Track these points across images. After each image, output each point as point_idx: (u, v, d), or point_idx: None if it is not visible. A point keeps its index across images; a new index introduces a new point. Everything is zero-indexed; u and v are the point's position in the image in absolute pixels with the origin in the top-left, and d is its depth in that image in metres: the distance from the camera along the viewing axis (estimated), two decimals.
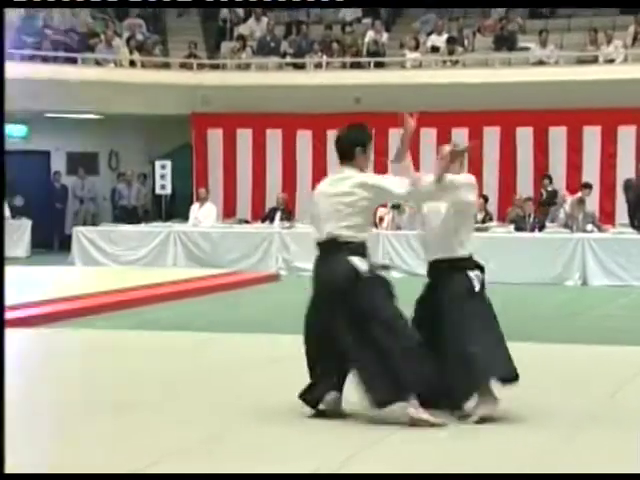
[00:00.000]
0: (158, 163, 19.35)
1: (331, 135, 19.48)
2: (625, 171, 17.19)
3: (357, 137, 5.94)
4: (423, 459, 4.85)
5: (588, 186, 16.51)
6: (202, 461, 4.76)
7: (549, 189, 17.57)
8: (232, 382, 6.86)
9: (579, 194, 16.07)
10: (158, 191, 19.43)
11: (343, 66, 19.68)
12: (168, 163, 19.19)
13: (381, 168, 21.55)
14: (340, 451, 4.92)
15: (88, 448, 5.05)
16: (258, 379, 6.95)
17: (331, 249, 5.68)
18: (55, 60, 18.58)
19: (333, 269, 5.62)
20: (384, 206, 16.78)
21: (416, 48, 19.49)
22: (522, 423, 5.61)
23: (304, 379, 5.80)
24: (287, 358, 7.86)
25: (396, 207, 15.92)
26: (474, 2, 18.50)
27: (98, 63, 19.44)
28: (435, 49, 19.53)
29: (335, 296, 5.56)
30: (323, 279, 5.67)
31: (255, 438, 5.28)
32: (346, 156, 5.91)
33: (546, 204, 16.84)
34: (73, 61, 18.99)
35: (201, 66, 19.98)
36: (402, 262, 15.14)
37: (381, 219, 16.35)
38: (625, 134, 17.69)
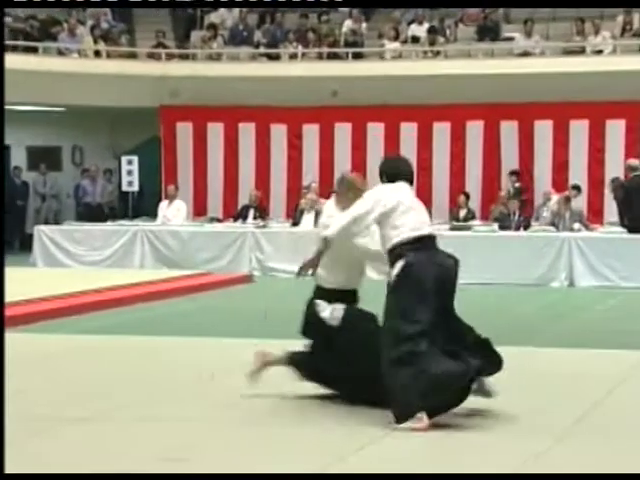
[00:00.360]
0: (124, 158, 19.27)
1: (307, 129, 19.55)
2: (613, 167, 17.30)
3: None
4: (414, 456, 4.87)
5: (576, 188, 16.66)
6: (194, 463, 4.75)
7: (516, 185, 17.63)
8: (203, 388, 6.83)
9: (566, 193, 16.15)
10: (125, 188, 19.35)
11: (319, 57, 19.68)
12: (135, 158, 19.10)
13: (359, 162, 21.53)
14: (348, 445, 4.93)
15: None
16: (233, 384, 6.93)
17: (434, 244, 6.04)
18: (14, 49, 18.45)
19: (451, 261, 5.96)
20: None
21: (396, 38, 19.52)
22: (507, 431, 5.62)
23: (281, 382, 5.78)
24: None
25: None
26: (475, 2, 18.40)
27: (61, 53, 19.32)
28: (415, 39, 19.56)
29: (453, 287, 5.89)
30: (449, 266, 5.91)
31: (241, 440, 5.27)
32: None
33: (516, 200, 16.72)
34: (34, 50, 18.86)
35: (170, 56, 19.91)
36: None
37: None
38: (613, 128, 17.78)
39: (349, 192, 6.43)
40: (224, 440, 5.47)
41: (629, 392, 6.75)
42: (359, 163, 18.96)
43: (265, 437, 5.50)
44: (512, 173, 17.86)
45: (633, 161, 15.39)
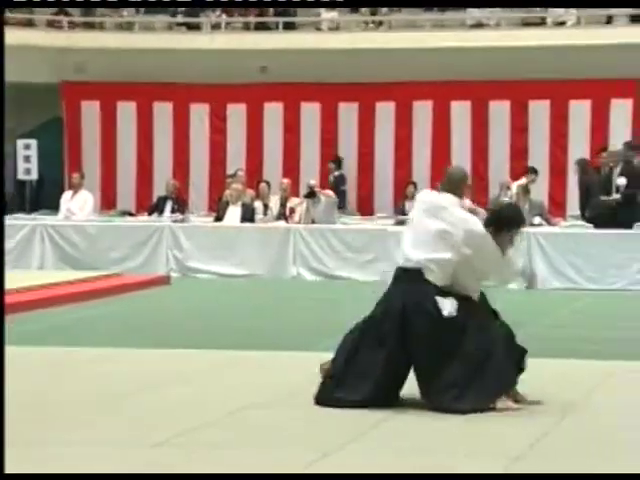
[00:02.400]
0: (21, 142, 19.05)
1: (232, 110, 19.52)
2: (577, 152, 17.53)
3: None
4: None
5: (534, 171, 16.69)
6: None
7: (336, 174, 17.75)
8: (121, 408, 6.80)
9: (523, 180, 16.27)
10: (21, 176, 19.14)
11: (246, 27, 19.66)
12: (33, 142, 18.90)
13: (292, 147, 21.58)
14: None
15: None
16: (148, 401, 6.90)
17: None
18: None
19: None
20: (297, 196, 16.84)
21: (333, 6, 19.55)
22: (456, 453, 5.70)
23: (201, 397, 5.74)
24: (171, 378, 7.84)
25: (310, 195, 15.97)
26: (472, 2, 18.44)
27: None
28: (355, 8, 19.62)
29: None
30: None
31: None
32: None
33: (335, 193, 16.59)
34: None
35: (73, 25, 19.73)
36: (318, 262, 15.18)
37: (292, 211, 16.39)
38: (578, 110, 18.03)
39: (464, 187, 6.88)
40: (144, 463, 5.46)
41: (593, 411, 6.85)
42: (292, 148, 19.02)
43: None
44: (332, 160, 18.17)
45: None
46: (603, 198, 14.79)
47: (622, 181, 14.70)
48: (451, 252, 6.60)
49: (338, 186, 17.94)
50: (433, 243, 6.64)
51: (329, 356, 7.40)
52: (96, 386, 7.56)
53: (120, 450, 5.78)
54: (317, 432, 6.15)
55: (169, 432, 6.10)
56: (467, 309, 6.62)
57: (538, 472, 5.31)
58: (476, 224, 6.73)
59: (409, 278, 6.64)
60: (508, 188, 16.62)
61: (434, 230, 6.66)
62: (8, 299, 11.82)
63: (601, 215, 14.74)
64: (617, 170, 14.86)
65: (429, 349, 6.58)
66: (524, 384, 6.87)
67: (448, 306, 6.61)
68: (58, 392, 7.39)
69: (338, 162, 18.51)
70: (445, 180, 6.98)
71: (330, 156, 18.91)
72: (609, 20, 18.51)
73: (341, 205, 17.36)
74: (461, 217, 6.71)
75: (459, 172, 7.15)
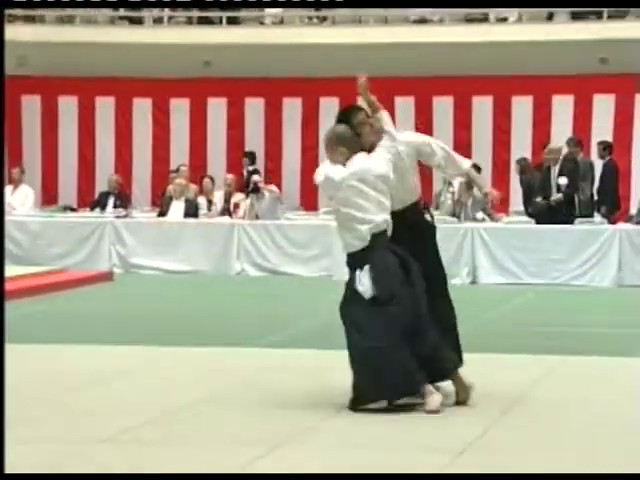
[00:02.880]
0: None
1: (175, 104, 19.42)
2: (519, 149, 17.68)
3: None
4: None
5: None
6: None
7: (250, 169, 17.77)
8: (61, 406, 6.75)
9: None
10: None
11: (189, 22, 19.57)
12: None
13: (236, 142, 21.44)
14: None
15: None
16: (100, 394, 6.87)
17: None
18: None
19: None
20: (241, 191, 16.80)
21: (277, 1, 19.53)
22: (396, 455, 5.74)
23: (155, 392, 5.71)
24: (120, 373, 7.80)
25: (254, 191, 15.95)
26: (467, 2, 18.44)
27: None
28: (300, 3, 19.59)
29: None
30: None
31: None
32: None
33: (248, 187, 16.42)
34: None
35: (13, 18, 19.51)
36: (262, 258, 15.17)
37: (236, 206, 16.37)
38: (520, 106, 18.17)
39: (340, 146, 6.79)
40: (83, 461, 5.44)
41: (530, 407, 6.91)
42: (236, 142, 18.97)
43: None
44: (245, 154, 18.21)
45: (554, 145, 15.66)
46: (539, 200, 14.91)
47: (563, 181, 14.84)
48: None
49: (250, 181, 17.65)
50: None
51: (273, 352, 7.40)
52: (38, 383, 7.51)
53: (63, 446, 5.75)
54: (261, 428, 6.16)
55: (112, 429, 6.08)
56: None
57: (480, 466, 5.36)
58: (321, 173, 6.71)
59: None
60: (450, 184, 16.72)
61: None
62: None
63: (542, 214, 14.88)
64: (556, 168, 15.00)
65: None
66: (468, 378, 6.92)
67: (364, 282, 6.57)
68: None
69: (252, 156, 18.47)
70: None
71: (274, 152, 18.90)
72: (550, 17, 18.66)
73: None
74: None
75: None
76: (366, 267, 6.47)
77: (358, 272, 6.49)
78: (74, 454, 5.60)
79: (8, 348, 8.93)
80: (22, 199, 16.96)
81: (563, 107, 18.00)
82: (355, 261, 6.53)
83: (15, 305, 11.88)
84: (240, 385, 7.41)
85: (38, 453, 5.60)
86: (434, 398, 6.44)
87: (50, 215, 16.82)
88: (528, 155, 17.44)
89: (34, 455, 5.57)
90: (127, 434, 6.01)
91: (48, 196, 19.05)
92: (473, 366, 6.97)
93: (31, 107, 19.22)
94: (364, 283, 6.45)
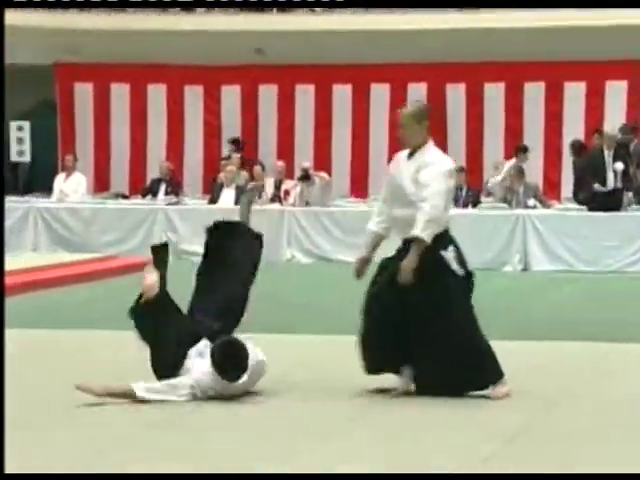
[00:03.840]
0: (13, 124, 19.00)
1: (226, 91, 19.45)
2: (572, 135, 17.47)
3: None
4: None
5: (523, 150, 16.51)
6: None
7: (234, 155, 17.52)
8: None
9: (513, 160, 16.23)
10: (14, 158, 19.10)
11: (241, 8, 19.57)
12: (26, 124, 18.86)
13: (286, 128, 21.44)
14: None
15: None
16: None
17: None
18: None
19: None
20: (291, 178, 16.81)
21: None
22: (450, 437, 5.71)
23: None
24: None
25: (305, 178, 15.95)
26: (469, 3, 18.33)
27: None
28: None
29: None
30: None
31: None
32: None
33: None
34: None
35: (67, 5, 19.62)
36: (312, 245, 15.17)
37: (286, 193, 16.37)
38: (573, 92, 18.01)
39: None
40: (136, 443, 5.47)
41: (585, 392, 6.86)
42: (286, 129, 18.97)
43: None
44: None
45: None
46: (597, 187, 14.73)
47: (619, 166, 14.67)
48: None
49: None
50: None
51: (318, 339, 7.39)
52: (96, 369, 7.55)
53: (116, 431, 5.79)
54: (319, 412, 6.14)
55: (165, 414, 6.10)
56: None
57: (530, 454, 5.32)
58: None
59: None
60: (497, 169, 16.61)
61: None
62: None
63: (596, 200, 14.72)
64: (610, 153, 14.84)
65: None
66: (518, 366, 6.87)
67: None
68: (42, 374, 7.39)
69: (237, 143, 18.45)
70: None
71: (324, 138, 18.87)
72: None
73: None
74: None
75: None
76: (450, 247, 6.53)
77: (443, 252, 6.49)
78: (123, 438, 5.63)
79: (63, 334, 9.02)
80: (75, 186, 17.07)
81: (616, 92, 17.80)
82: (440, 243, 6.50)
83: (66, 291, 11.99)
84: (295, 371, 7.40)
85: (93, 438, 5.63)
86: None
87: (102, 202, 16.92)
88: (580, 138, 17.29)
89: (86, 440, 5.61)
90: (179, 419, 6.04)
91: (100, 183, 19.17)
92: (524, 354, 6.93)
93: (84, 94, 19.34)
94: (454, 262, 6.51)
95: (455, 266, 6.50)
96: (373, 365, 6.67)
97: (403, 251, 6.55)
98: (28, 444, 5.48)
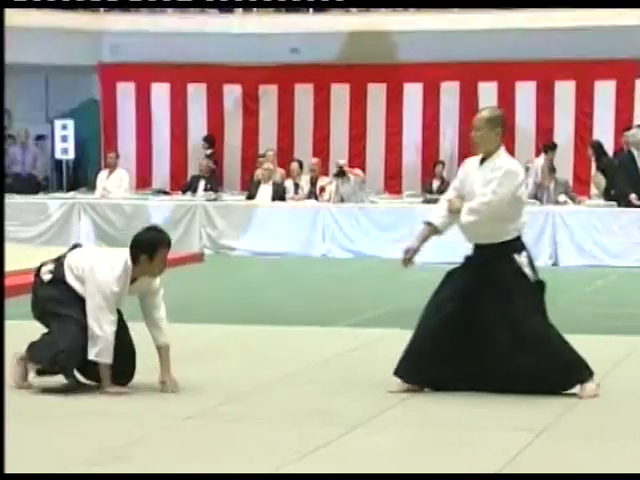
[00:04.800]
0: (58, 122, 19.09)
1: (264, 90, 19.44)
2: (602, 133, 17.33)
3: None
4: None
5: (551, 148, 16.38)
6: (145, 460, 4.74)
7: (207, 152, 17.50)
8: (149, 381, 6.81)
9: (541, 158, 16.10)
10: (59, 156, 19.19)
11: (277, 10, 19.56)
12: (70, 123, 18.93)
13: (322, 127, 21.35)
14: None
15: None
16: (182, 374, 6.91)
17: None
18: None
19: None
20: (327, 175, 16.79)
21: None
22: (487, 426, 5.68)
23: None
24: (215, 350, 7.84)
25: (340, 174, 15.92)
26: (471, 3, 18.20)
27: None
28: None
29: None
30: None
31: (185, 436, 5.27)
32: None
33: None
34: None
35: (109, 7, 19.70)
36: (347, 240, 15.14)
37: (322, 189, 16.34)
38: (603, 90, 17.86)
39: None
40: (168, 436, 5.47)
41: (617, 384, 6.80)
42: (322, 128, 18.95)
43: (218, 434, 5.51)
44: None
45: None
46: (634, 197, 14.59)
47: None
48: None
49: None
50: None
51: (357, 331, 7.33)
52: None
53: (151, 421, 5.79)
54: (343, 406, 6.13)
55: (200, 406, 6.11)
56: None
57: (560, 446, 5.28)
58: None
59: None
60: (527, 169, 16.45)
61: None
62: None
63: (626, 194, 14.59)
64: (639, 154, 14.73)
65: None
66: None
67: None
68: None
69: (210, 141, 18.45)
70: None
71: (359, 136, 18.83)
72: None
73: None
74: None
75: None
76: (524, 253, 6.41)
77: (517, 256, 6.37)
78: (160, 429, 5.64)
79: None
80: (117, 182, 17.12)
81: None
82: (513, 247, 6.40)
83: None
84: (326, 363, 7.39)
85: (126, 427, 5.65)
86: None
87: (144, 198, 16.96)
88: (610, 139, 17.14)
89: (119, 428, 5.61)
90: (212, 411, 6.04)
91: (142, 180, 19.23)
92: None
93: (126, 93, 19.40)
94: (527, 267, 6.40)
95: (528, 271, 6.39)
96: (411, 376, 6.44)
97: (474, 258, 6.46)
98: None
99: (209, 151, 17.83)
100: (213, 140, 18.51)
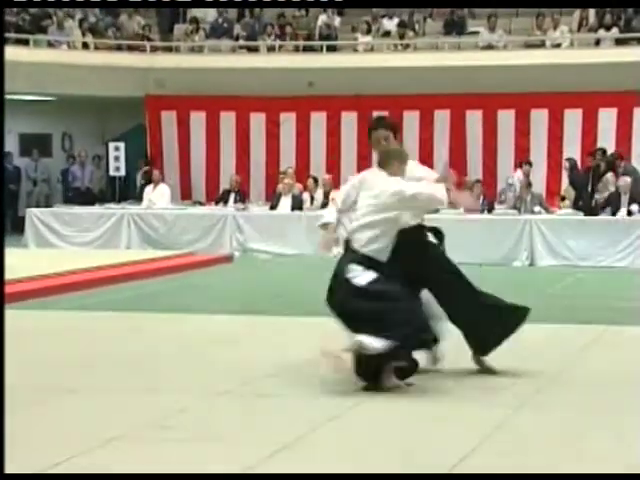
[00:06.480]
0: (112, 145, 19.15)
1: (284, 118, 19.49)
2: (570, 154, 17.35)
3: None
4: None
5: (528, 163, 16.83)
6: (152, 444, 4.75)
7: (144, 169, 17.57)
8: (192, 362, 6.83)
9: (519, 172, 16.25)
10: (112, 173, 19.25)
11: (296, 49, 19.61)
12: (121, 145, 19.00)
13: (333, 149, 21.33)
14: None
15: (38, 432, 5.00)
16: (218, 356, 6.93)
17: None
18: (6, 42, 18.24)
19: None
20: (337, 188, 16.78)
21: (368, 32, 19.49)
22: (469, 402, 5.67)
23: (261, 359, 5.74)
24: (243, 337, 7.87)
25: None
26: (470, 2, 18.19)
27: (50, 45, 19.14)
28: (387, 33, 19.53)
29: None
30: None
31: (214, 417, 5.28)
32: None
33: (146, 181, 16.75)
34: (25, 43, 18.68)
35: (154, 48, 19.78)
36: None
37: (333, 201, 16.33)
38: (571, 117, 17.84)
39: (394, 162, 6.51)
40: (208, 408, 5.48)
41: (585, 366, 6.80)
42: (333, 150, 18.99)
43: (248, 407, 5.52)
44: None
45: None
46: (597, 196, 14.67)
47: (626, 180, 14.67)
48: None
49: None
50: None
51: None
52: (173, 343, 7.60)
53: (188, 397, 5.81)
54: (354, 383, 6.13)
55: (231, 383, 6.13)
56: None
57: (534, 422, 5.27)
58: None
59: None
60: (510, 184, 16.50)
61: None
62: (101, 273, 11.94)
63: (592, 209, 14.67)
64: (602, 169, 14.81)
65: None
66: (526, 342, 6.82)
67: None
68: (138, 347, 7.44)
69: (146, 159, 18.51)
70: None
71: (366, 156, 18.84)
72: (597, 42, 18.32)
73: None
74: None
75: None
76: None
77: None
78: (196, 404, 5.65)
79: (147, 316, 9.11)
80: (160, 195, 17.18)
81: (607, 118, 17.63)
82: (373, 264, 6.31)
83: (153, 282, 12.07)
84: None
85: (164, 403, 5.66)
86: None
87: (182, 208, 17.01)
88: (577, 158, 17.15)
89: (159, 404, 5.63)
90: (245, 387, 6.05)
91: (184, 193, 19.29)
92: (530, 333, 6.89)
93: (169, 120, 19.46)
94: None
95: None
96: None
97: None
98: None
99: (145, 168, 18.22)
100: (148, 160, 18.79)
